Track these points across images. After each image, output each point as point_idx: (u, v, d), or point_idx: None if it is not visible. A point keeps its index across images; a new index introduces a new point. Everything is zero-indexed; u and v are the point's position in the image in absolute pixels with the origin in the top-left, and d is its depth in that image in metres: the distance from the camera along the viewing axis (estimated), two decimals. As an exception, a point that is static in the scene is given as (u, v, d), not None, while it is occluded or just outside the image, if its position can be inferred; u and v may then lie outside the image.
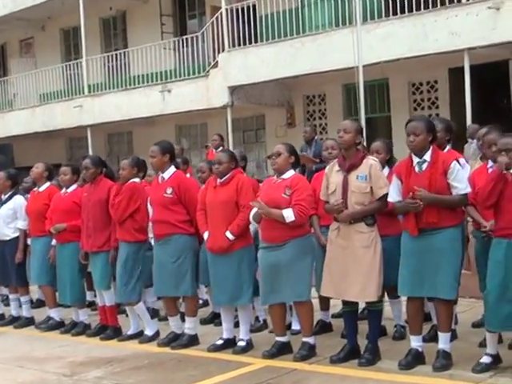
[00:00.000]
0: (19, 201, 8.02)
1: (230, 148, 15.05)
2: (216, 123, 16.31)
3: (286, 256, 5.61)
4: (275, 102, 16.04)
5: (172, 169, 6.52)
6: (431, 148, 5.08)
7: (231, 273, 6.00)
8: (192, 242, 6.34)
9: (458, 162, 5.08)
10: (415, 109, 14.68)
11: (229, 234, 5.97)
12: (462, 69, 12.11)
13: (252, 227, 6.13)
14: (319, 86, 15.53)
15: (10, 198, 8.05)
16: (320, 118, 16.16)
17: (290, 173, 5.75)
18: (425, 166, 5.05)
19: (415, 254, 5.04)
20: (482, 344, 5.36)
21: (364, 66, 12.30)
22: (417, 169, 5.06)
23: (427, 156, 5.06)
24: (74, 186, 7.40)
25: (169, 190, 6.33)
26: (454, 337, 5.84)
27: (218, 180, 6.16)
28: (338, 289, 5.39)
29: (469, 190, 5.05)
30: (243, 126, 17.56)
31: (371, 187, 5.27)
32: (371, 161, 5.36)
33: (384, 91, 14.96)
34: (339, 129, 5.41)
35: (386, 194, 5.24)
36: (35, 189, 7.94)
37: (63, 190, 7.43)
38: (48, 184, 7.80)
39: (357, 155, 5.37)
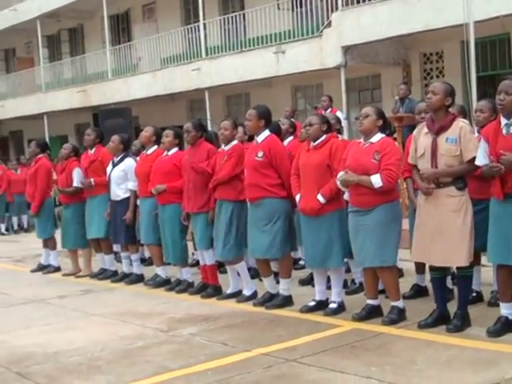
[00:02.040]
0: (130, 163, 8.38)
1: (344, 108, 14.98)
2: (331, 83, 16.16)
3: (373, 221, 5.59)
4: (391, 61, 15.69)
5: (266, 133, 6.58)
6: (521, 110, 4.87)
7: (322, 235, 6.04)
8: (283, 205, 6.40)
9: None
10: (539, 64, 13.95)
11: (320, 197, 5.99)
12: None
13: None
14: (437, 43, 15.03)
15: (121, 160, 8.42)
16: (437, 77, 15.64)
17: (378, 136, 5.68)
18: (512, 128, 4.86)
19: (503, 219, 4.88)
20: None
21: (481, 21, 11.79)
22: (504, 131, 4.87)
23: (516, 118, 4.86)
24: (175, 149, 7.63)
25: (260, 154, 6.42)
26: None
27: (311, 143, 6.17)
28: (428, 254, 5.31)
29: None
30: (359, 86, 17.34)
31: (461, 150, 5.12)
32: (461, 123, 5.20)
33: (505, 47, 14.28)
34: (428, 90, 5.28)
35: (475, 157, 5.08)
36: (144, 151, 8.27)
37: (164, 152, 7.69)
38: (156, 147, 8.06)
39: (446, 117, 5.22)
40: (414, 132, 5.51)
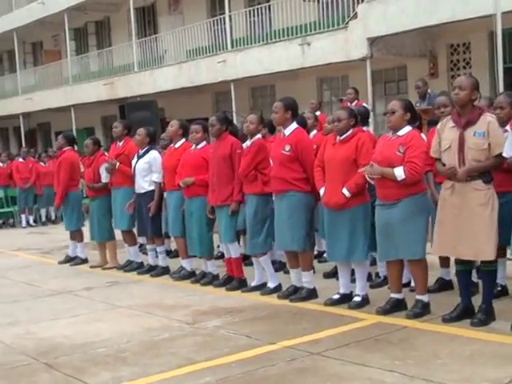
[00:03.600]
0: (154, 155, 8.44)
1: (370, 100, 14.92)
2: (357, 75, 16.10)
3: (399, 214, 5.59)
4: (417, 52, 15.59)
5: (293, 125, 6.59)
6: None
7: (346, 229, 6.06)
8: (307, 200, 6.42)
9: None
10: None
11: (345, 191, 6.00)
12: None
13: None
14: (464, 34, 14.90)
15: (146, 152, 8.48)
16: (464, 68, 15.52)
17: (406, 129, 5.68)
18: (544, 122, 4.83)
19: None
20: None
21: (509, 12, 11.66)
22: (533, 124, 4.86)
23: (545, 111, 4.84)
24: (203, 143, 7.68)
25: (287, 148, 6.44)
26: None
27: (338, 137, 6.17)
28: (453, 248, 5.30)
29: None
30: (385, 78, 17.26)
31: (489, 144, 5.11)
32: (489, 117, 5.20)
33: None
34: (454, 86, 5.26)
35: None
36: (172, 145, 8.32)
37: (193, 146, 7.74)
38: (183, 140, 8.12)
39: (473, 112, 5.21)
40: (438, 126, 5.49)
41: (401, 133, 5.66)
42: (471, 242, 5.19)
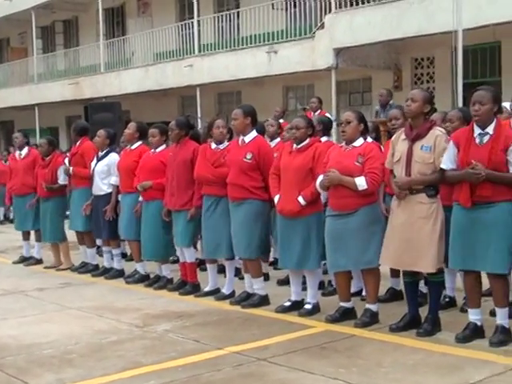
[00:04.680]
0: (114, 158, 8.39)
1: (334, 110, 15.03)
2: (323, 85, 16.23)
3: (356, 223, 5.63)
4: (382, 65, 15.78)
5: (253, 133, 6.61)
6: (495, 121, 4.93)
7: (300, 237, 6.08)
8: (264, 208, 6.45)
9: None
10: (528, 74, 14.04)
11: (301, 199, 6.02)
12: None
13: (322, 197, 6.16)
14: (428, 49, 15.13)
15: (106, 154, 8.44)
16: (428, 82, 15.75)
17: (361, 140, 5.73)
18: (486, 138, 4.91)
19: (467, 227, 4.95)
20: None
21: (472, 29, 11.88)
22: (477, 140, 4.93)
23: (490, 129, 4.92)
24: (162, 147, 7.66)
25: (249, 156, 6.43)
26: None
27: (295, 145, 6.20)
28: (398, 258, 5.37)
29: None
30: (350, 89, 17.42)
31: (434, 158, 5.18)
32: (438, 131, 5.27)
33: (496, 55, 14.38)
34: (407, 98, 5.33)
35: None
36: (128, 147, 8.29)
37: (152, 150, 7.72)
38: (140, 143, 8.10)
39: (424, 125, 5.28)
40: (393, 138, 5.57)
41: (357, 143, 5.71)
42: (413, 253, 5.25)
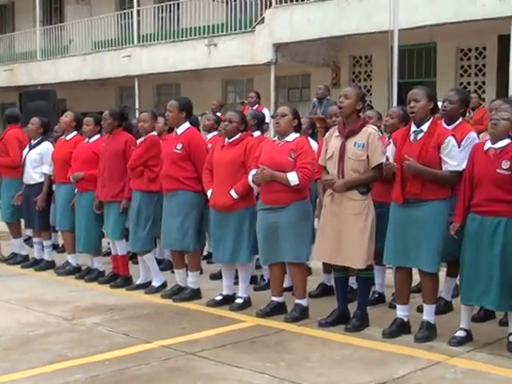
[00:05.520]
0: (46, 146, 8.21)
1: (272, 105, 15.09)
2: (262, 79, 16.28)
3: (286, 218, 5.65)
4: (321, 62, 15.93)
5: (186, 125, 6.58)
6: (431, 119, 5.03)
7: (232, 231, 6.08)
8: (197, 199, 6.42)
9: (454, 137, 5.02)
10: (461, 75, 14.39)
11: (233, 193, 6.03)
12: (509, 36, 11.78)
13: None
14: (366, 48, 15.34)
15: (38, 143, 8.27)
16: (365, 80, 15.99)
17: (293, 135, 5.76)
18: (420, 136, 5.02)
19: (400, 224, 5.06)
20: (475, 318, 5.37)
21: (408, 29, 12.08)
22: (412, 137, 5.05)
23: (425, 127, 5.03)
24: (96, 137, 7.56)
25: (179, 146, 6.42)
26: (449, 309, 5.87)
27: (226, 140, 6.20)
28: (330, 254, 5.42)
29: (461, 168, 4.98)
30: (288, 84, 17.53)
31: (367, 155, 5.25)
32: (370, 129, 5.33)
33: (431, 55, 14.68)
34: (340, 94, 5.39)
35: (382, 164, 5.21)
36: (62, 137, 8.14)
37: (85, 139, 7.60)
38: (75, 133, 7.96)
39: (356, 122, 5.34)
40: (326, 135, 5.62)
41: (289, 138, 5.74)
42: (344, 249, 5.31)
